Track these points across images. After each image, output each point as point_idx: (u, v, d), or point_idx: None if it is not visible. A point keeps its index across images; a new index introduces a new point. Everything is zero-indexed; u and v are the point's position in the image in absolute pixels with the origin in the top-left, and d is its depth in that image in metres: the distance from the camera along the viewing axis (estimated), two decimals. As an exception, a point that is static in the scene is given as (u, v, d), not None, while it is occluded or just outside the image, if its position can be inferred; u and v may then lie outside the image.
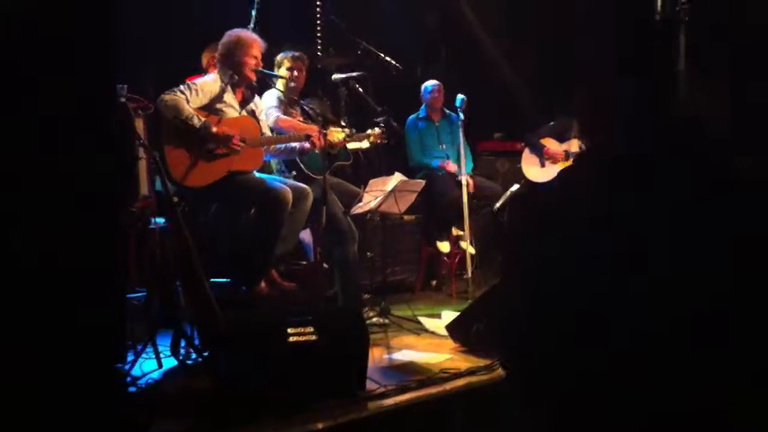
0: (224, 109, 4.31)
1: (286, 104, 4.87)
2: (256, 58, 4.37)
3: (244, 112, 4.44)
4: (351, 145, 5.05)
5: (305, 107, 4.94)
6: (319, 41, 6.19)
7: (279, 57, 5.01)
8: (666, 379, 1.06)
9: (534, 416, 1.17)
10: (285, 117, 4.79)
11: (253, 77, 4.41)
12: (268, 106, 4.81)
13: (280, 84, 4.94)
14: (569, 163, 6.53)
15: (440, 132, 6.27)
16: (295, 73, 4.96)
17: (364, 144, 5.18)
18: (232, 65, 4.36)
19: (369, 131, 5.10)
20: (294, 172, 4.76)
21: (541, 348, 1.15)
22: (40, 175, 2.33)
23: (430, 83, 6.33)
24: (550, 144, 6.58)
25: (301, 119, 4.86)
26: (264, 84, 4.76)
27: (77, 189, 2.42)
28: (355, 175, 5.27)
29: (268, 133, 4.57)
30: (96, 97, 2.50)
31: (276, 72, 4.94)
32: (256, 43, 4.38)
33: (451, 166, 6.02)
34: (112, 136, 2.69)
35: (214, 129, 4.13)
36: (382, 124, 5.22)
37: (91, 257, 2.45)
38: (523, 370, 1.17)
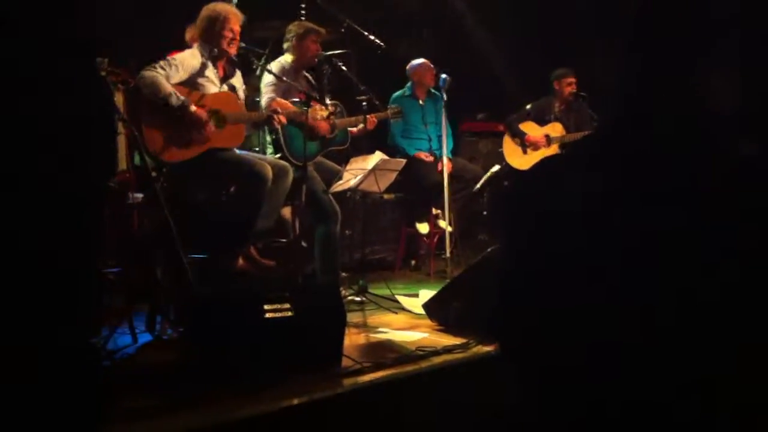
0: (205, 84, 4.28)
1: (291, 77, 4.84)
2: (233, 31, 4.33)
3: (225, 87, 4.41)
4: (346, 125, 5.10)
5: (310, 78, 4.98)
6: (303, 19, 6.14)
7: (297, 27, 5.04)
8: (657, 363, 1.03)
9: (520, 395, 1.15)
10: (279, 99, 4.76)
11: (233, 51, 4.38)
12: (264, 83, 4.80)
13: (287, 56, 4.94)
14: (552, 148, 6.45)
15: (425, 112, 6.17)
16: (313, 44, 5.00)
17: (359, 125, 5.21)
18: (211, 39, 4.32)
19: (368, 116, 5.17)
20: (279, 155, 4.74)
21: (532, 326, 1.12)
22: (12, 136, 2.29)
23: (417, 61, 6.24)
24: (530, 129, 6.47)
25: (304, 90, 4.85)
26: (246, 61, 4.73)
27: (56, 155, 2.38)
28: (337, 153, 5.25)
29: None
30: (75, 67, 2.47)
31: (290, 43, 4.97)
32: (234, 17, 4.34)
33: (427, 158, 6.00)
34: (91, 100, 2.65)
35: (192, 108, 4.09)
36: (366, 105, 5.21)
37: (67, 230, 2.43)
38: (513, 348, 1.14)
